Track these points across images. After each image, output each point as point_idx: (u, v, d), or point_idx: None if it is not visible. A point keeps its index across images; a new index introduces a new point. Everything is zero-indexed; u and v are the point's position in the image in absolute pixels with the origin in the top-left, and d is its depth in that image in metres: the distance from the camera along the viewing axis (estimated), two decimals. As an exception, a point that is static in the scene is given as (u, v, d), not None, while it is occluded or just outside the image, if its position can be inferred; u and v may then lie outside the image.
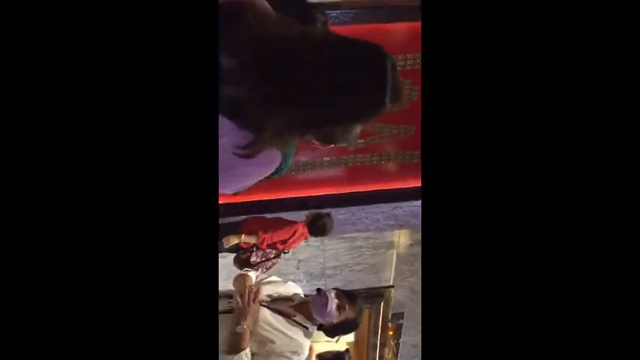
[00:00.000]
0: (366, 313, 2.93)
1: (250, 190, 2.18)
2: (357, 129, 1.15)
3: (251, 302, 1.25)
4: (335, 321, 1.35)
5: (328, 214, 2.20)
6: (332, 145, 0.83)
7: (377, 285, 2.89)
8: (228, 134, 0.56)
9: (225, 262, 2.38)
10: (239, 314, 1.24)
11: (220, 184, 0.54)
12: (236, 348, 1.20)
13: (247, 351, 1.22)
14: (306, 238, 2.22)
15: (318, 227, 2.17)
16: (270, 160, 0.63)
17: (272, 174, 0.65)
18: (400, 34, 2.12)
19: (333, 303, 1.32)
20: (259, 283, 1.45)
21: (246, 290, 1.27)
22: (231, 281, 1.49)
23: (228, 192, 0.64)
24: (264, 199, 2.45)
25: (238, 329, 1.21)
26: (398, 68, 0.57)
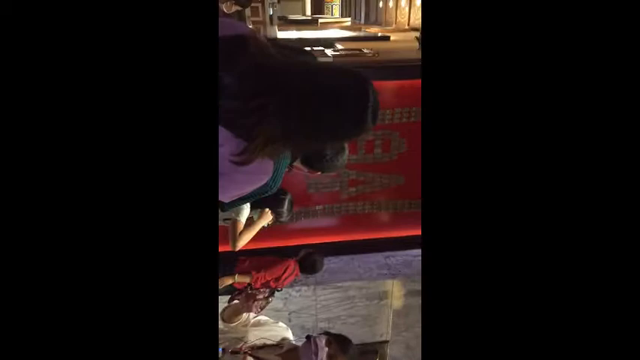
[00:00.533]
0: (360, 370, 2.78)
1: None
2: (344, 155, 1.21)
3: None
4: None
5: (319, 253, 2.23)
6: (319, 173, 0.87)
7: (371, 339, 2.79)
8: (226, 143, 0.62)
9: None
10: None
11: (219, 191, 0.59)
12: None
13: None
14: (297, 275, 2.23)
15: (308, 264, 2.21)
16: (262, 170, 0.68)
17: (262, 190, 0.69)
18: (392, 91, 2.30)
19: (323, 352, 1.27)
20: (248, 326, 1.42)
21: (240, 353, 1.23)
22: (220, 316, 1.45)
23: (224, 199, 0.68)
24: (259, 247, 2.45)
25: None
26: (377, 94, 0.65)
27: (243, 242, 1.91)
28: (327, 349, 1.28)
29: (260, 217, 1.95)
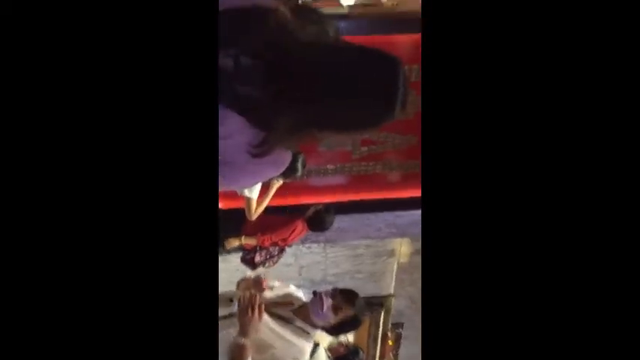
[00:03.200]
0: (366, 321, 2.93)
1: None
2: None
3: (251, 316, 1.22)
4: (333, 322, 1.35)
5: (328, 210, 2.22)
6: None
7: (378, 293, 2.90)
8: (241, 132, 0.56)
9: (226, 266, 2.39)
10: (241, 327, 1.22)
11: (228, 182, 0.55)
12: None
13: None
14: (305, 233, 2.24)
15: (317, 222, 2.19)
16: (280, 161, 0.64)
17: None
18: (403, 46, 2.17)
19: (327, 304, 1.33)
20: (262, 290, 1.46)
21: (248, 303, 1.24)
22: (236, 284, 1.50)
23: (236, 189, 0.66)
24: (269, 205, 2.47)
25: (238, 341, 1.20)
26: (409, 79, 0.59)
27: (257, 214, 2.04)
28: (331, 300, 1.34)
29: (270, 188, 2.01)
